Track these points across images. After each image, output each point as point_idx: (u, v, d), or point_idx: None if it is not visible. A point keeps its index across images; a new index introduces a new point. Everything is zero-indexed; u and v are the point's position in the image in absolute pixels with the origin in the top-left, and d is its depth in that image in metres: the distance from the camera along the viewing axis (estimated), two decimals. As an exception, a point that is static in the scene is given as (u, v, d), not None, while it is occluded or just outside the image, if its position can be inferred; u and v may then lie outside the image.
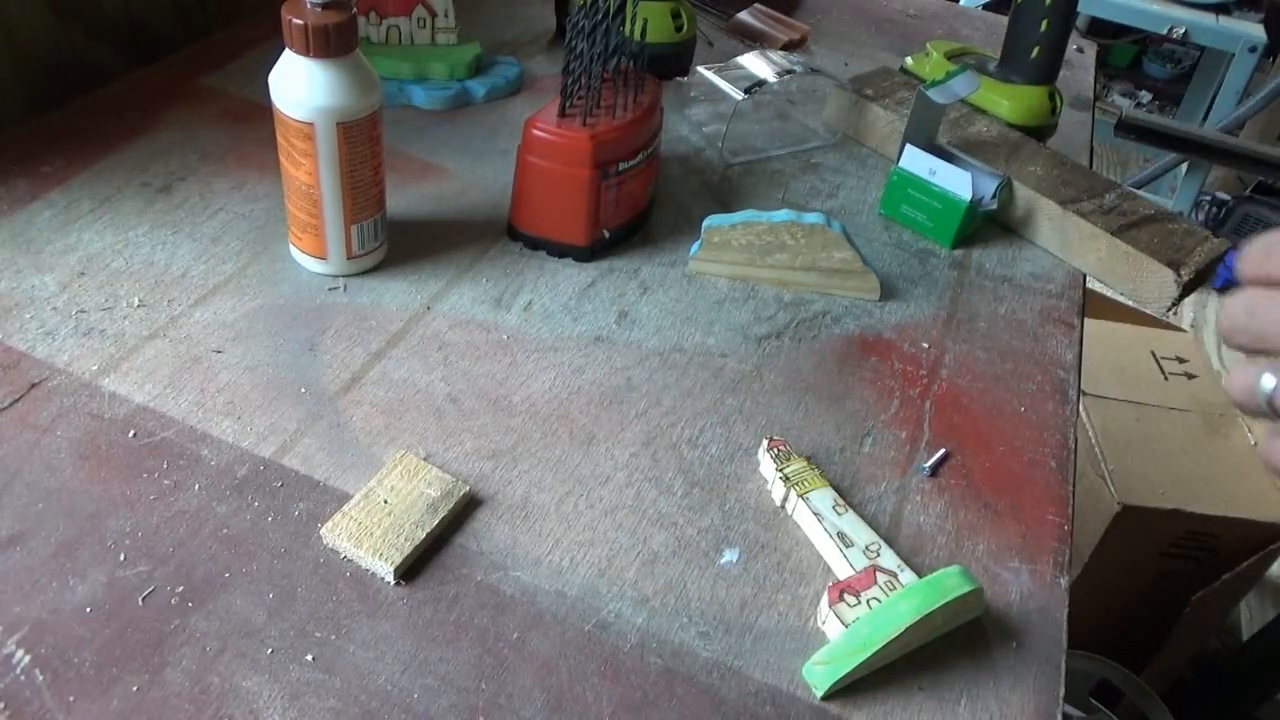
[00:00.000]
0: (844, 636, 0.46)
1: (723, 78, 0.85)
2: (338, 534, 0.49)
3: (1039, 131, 0.91)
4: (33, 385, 0.56)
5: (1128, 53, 3.24)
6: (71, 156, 0.74)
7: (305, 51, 0.58)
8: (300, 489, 0.52)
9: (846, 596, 0.48)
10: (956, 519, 0.56)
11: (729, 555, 0.52)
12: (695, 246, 0.71)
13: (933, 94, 0.78)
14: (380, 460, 0.54)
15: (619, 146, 0.68)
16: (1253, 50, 2.34)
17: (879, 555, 0.51)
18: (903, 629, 0.45)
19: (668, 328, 0.67)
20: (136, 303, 0.62)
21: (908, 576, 0.50)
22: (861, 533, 0.52)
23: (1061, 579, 0.53)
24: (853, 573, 0.50)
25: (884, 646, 0.45)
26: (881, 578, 0.49)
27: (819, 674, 0.46)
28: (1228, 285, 2.40)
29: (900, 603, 0.47)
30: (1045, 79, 0.91)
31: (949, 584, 0.47)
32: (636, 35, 0.69)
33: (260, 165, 0.76)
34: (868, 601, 0.48)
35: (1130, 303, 0.77)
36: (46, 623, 0.45)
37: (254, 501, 0.51)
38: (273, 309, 0.64)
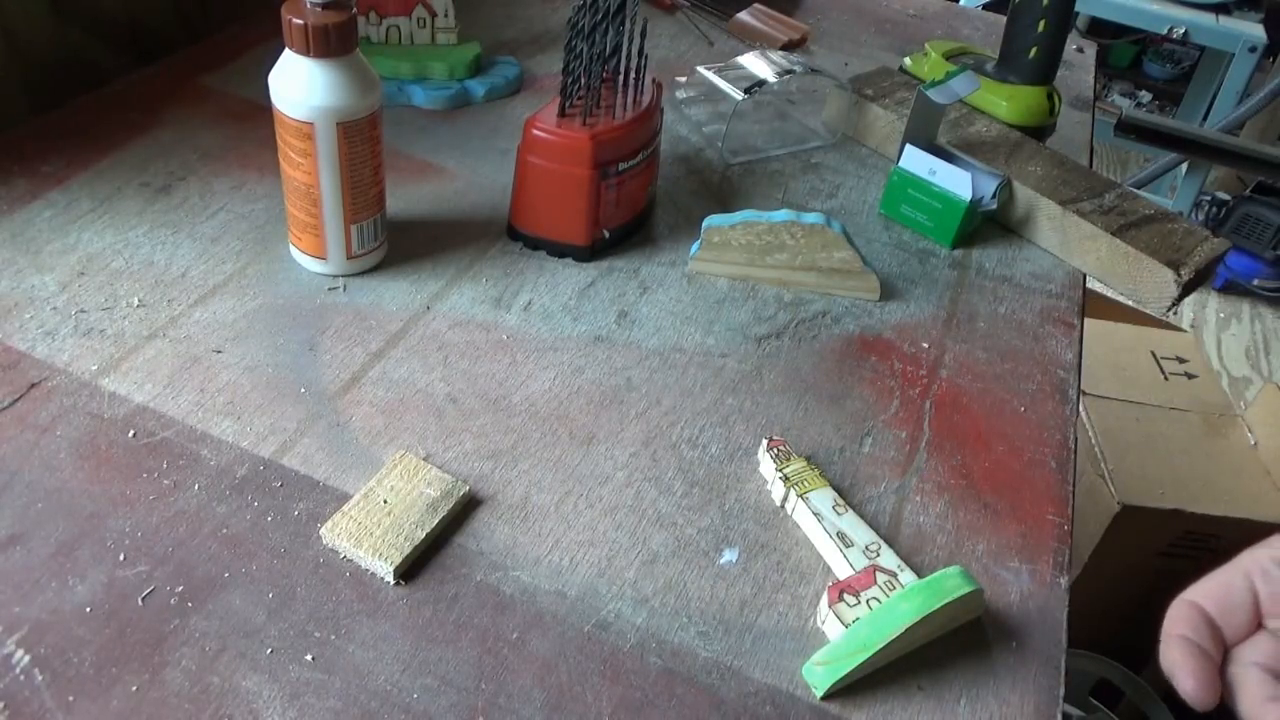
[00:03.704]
0: (844, 637, 0.46)
1: (723, 78, 0.85)
2: (337, 534, 0.49)
3: (1038, 131, 0.91)
4: (33, 385, 0.56)
5: (1128, 53, 3.24)
6: (71, 156, 0.74)
7: (305, 51, 0.58)
8: (300, 489, 0.52)
9: (846, 596, 0.48)
10: (956, 519, 0.56)
11: (729, 555, 0.52)
12: (695, 246, 0.71)
13: (933, 94, 0.78)
14: (380, 460, 0.54)
15: (619, 146, 0.68)
16: (1253, 50, 2.34)
17: (879, 555, 0.51)
18: (903, 629, 0.45)
19: (668, 328, 0.67)
20: (136, 303, 0.62)
21: (908, 577, 0.50)
22: (861, 533, 0.52)
23: (1061, 579, 0.53)
24: (853, 573, 0.50)
25: (884, 647, 0.45)
26: (881, 578, 0.49)
27: (819, 674, 0.46)
28: (1228, 285, 2.40)
29: (900, 603, 0.47)
30: (1043, 79, 0.91)
31: (949, 584, 0.47)
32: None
33: (260, 165, 0.76)
34: (868, 601, 0.48)
35: (1130, 303, 0.77)
36: (46, 623, 0.45)
37: (254, 501, 0.51)
38: (273, 309, 0.64)
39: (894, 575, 0.50)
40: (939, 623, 0.47)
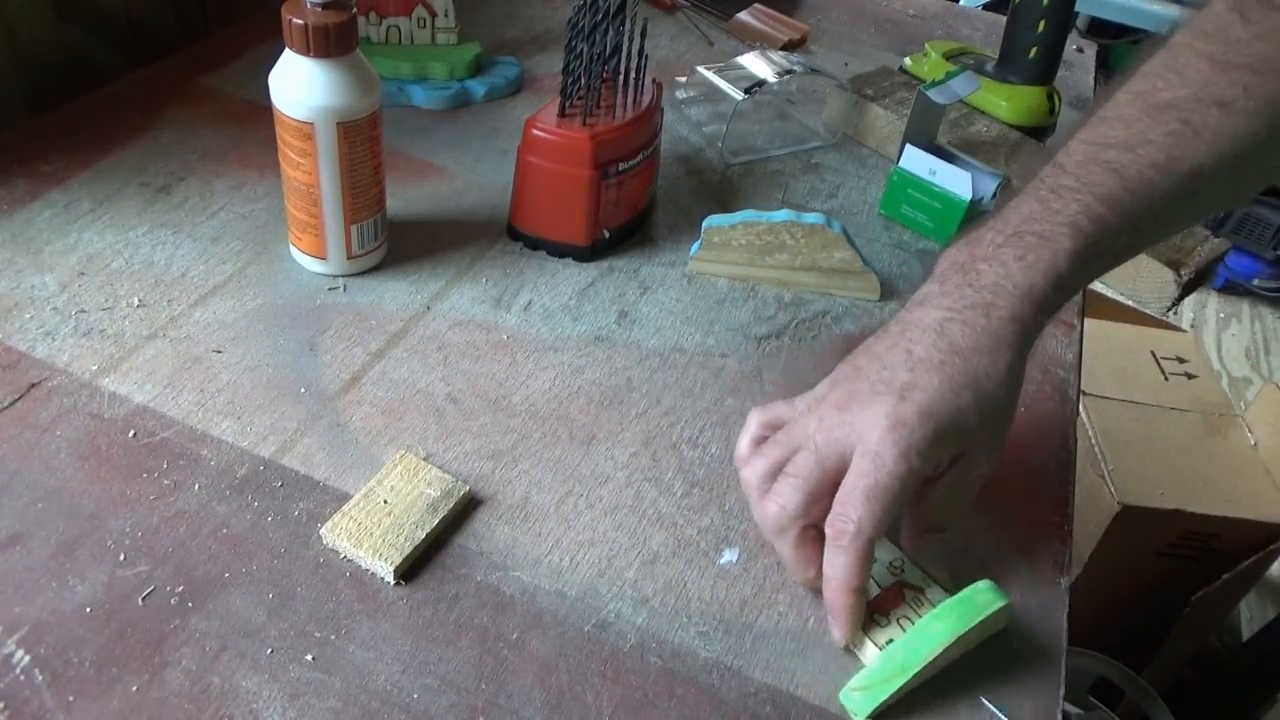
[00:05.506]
0: (879, 660, 0.45)
1: (723, 78, 0.85)
2: (338, 534, 0.49)
3: (1038, 131, 0.91)
4: (33, 385, 0.56)
5: (1128, 53, 3.24)
6: (71, 156, 0.74)
7: (305, 51, 0.58)
8: (300, 489, 0.52)
9: (876, 617, 0.47)
10: (957, 519, 0.56)
11: (729, 555, 0.52)
12: (695, 246, 0.71)
13: (933, 94, 0.78)
14: (380, 460, 0.54)
15: (619, 146, 0.68)
16: (1253, 50, 2.34)
17: (903, 571, 0.50)
18: (939, 650, 0.44)
19: (668, 328, 0.67)
20: (136, 303, 0.63)
21: (936, 594, 0.48)
22: (882, 550, 0.50)
23: (1061, 579, 0.53)
24: (878, 590, 0.49)
25: (921, 669, 0.44)
26: (909, 594, 0.48)
27: (857, 700, 0.45)
28: (1228, 285, 2.40)
29: (934, 623, 0.45)
30: (1043, 79, 0.91)
31: (981, 600, 0.46)
32: None
33: (260, 165, 0.76)
34: (898, 620, 0.47)
35: (1130, 303, 0.77)
36: (46, 623, 0.45)
37: (254, 501, 0.51)
38: (273, 309, 0.64)
39: (921, 591, 0.49)
40: (971, 639, 0.46)
